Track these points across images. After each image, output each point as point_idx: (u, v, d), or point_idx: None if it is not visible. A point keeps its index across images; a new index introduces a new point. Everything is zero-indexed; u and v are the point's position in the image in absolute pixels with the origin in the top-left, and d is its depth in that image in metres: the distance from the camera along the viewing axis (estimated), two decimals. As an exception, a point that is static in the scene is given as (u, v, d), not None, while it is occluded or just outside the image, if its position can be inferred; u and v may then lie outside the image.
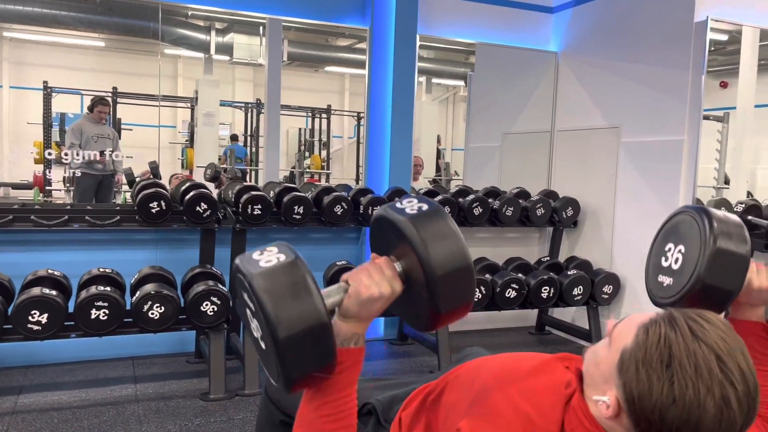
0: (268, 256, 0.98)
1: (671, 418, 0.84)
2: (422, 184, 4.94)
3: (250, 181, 7.40)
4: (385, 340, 4.13)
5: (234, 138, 8.27)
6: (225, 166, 6.21)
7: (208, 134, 6.99)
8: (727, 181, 4.16)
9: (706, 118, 3.84)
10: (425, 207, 1.03)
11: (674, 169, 3.58)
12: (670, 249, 1.26)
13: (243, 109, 8.50)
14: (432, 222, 1.01)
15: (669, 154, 3.62)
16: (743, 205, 3.47)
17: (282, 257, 0.97)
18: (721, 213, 1.19)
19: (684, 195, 3.56)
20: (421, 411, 1.24)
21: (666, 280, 1.24)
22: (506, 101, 4.76)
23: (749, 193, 4.30)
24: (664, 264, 1.26)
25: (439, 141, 7.61)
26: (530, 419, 0.99)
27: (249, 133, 8.37)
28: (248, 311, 1.03)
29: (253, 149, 8.30)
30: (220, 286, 3.07)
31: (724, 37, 4.58)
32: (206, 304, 2.98)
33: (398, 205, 1.05)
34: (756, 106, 4.41)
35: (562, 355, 1.17)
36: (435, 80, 7.44)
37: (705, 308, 1.14)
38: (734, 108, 4.21)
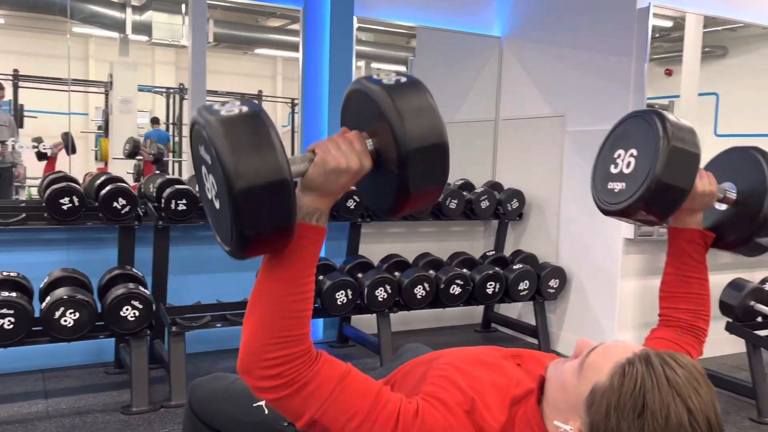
0: (230, 107, 0.97)
1: None
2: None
3: (173, 174, 7.24)
4: (324, 342, 4.15)
5: (155, 121, 8.05)
6: (147, 149, 6.03)
7: (125, 122, 6.81)
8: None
9: (650, 106, 4.03)
10: (403, 79, 1.04)
11: (619, 159, 3.75)
12: (620, 155, 1.33)
13: (164, 94, 8.29)
14: (409, 94, 1.02)
15: (614, 143, 3.79)
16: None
17: (245, 109, 0.97)
18: (672, 115, 1.27)
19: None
20: None
21: (617, 186, 1.31)
22: (449, 88, 4.85)
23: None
24: (614, 171, 1.33)
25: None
26: (476, 405, 1.05)
27: (171, 121, 8.18)
28: (204, 168, 1.02)
29: (176, 139, 8.12)
30: (142, 288, 3.02)
31: (669, 24, 4.81)
32: (126, 309, 2.92)
33: (375, 77, 1.06)
34: (699, 95, 4.66)
35: (514, 351, 1.23)
36: (374, 65, 7.48)
37: (659, 208, 1.25)
38: (678, 96, 4.44)
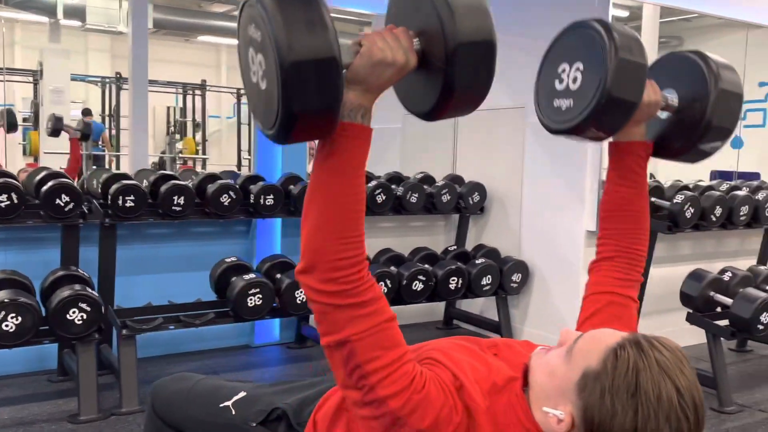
0: None
1: None
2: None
3: (111, 168, 7.10)
4: (281, 344, 4.18)
5: (87, 113, 7.88)
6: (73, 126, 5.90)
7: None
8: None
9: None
10: None
11: (581, 151, 3.89)
12: (564, 70, 1.33)
13: (99, 84, 8.12)
14: None
15: (575, 135, 3.93)
16: (647, 187, 3.85)
17: None
18: (618, 24, 1.29)
19: (590, 178, 3.88)
20: (341, 410, 1.29)
21: (564, 103, 1.32)
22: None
23: (651, 175, 4.76)
24: (559, 87, 1.34)
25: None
26: (463, 385, 1.12)
27: (108, 112, 8.03)
28: (251, 50, 1.07)
29: (113, 131, 7.97)
30: (89, 290, 2.99)
31: (626, 13, 5.00)
32: (73, 312, 2.88)
33: None
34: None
35: (490, 342, 1.30)
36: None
37: (609, 124, 1.29)
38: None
